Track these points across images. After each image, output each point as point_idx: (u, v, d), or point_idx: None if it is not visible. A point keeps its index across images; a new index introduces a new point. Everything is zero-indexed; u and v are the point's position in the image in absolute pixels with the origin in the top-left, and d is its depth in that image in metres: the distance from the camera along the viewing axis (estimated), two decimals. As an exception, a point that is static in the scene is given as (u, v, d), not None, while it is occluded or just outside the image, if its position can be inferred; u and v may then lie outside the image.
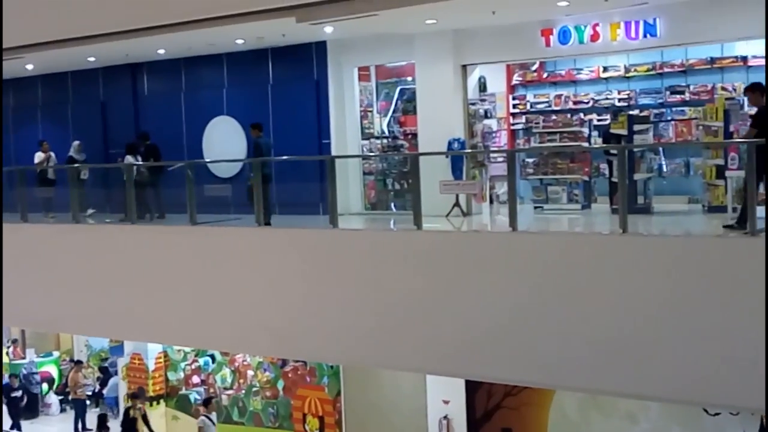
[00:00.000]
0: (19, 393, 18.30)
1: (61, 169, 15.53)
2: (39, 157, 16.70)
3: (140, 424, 15.79)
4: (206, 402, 15.73)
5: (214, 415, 15.57)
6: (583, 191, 13.62)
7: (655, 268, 7.83)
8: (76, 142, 16.16)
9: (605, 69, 14.37)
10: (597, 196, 13.70)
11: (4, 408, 17.30)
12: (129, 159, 14.80)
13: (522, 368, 8.60)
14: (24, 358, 19.62)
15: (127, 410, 15.69)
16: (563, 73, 14.83)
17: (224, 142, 16.39)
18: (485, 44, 13.76)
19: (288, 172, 14.42)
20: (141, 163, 14.69)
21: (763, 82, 9.75)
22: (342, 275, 10.08)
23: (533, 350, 8.33)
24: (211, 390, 16.74)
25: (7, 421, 17.62)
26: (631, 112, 13.22)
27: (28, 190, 14.67)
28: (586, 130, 14.18)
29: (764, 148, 8.03)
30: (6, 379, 18.47)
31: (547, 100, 14.85)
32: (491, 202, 13.86)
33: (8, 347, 20.26)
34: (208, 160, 16.23)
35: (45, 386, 19.26)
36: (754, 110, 9.63)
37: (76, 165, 14.94)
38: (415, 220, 10.19)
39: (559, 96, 14.74)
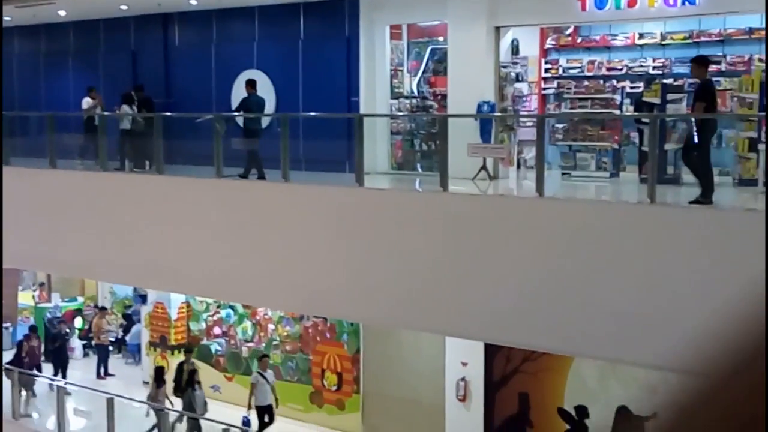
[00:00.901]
0: (60, 342, 18.18)
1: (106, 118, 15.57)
2: (87, 103, 16.46)
3: (196, 376, 15.25)
4: (260, 358, 15.12)
5: (269, 374, 14.84)
6: (612, 159, 13.49)
7: (682, 240, 7.76)
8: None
9: (641, 36, 14.14)
10: (626, 164, 13.56)
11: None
12: (125, 108, 14.98)
13: (542, 334, 8.61)
14: (49, 301, 19.89)
15: (180, 364, 15.32)
16: (598, 38, 14.62)
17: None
18: (520, 6, 13.57)
19: (315, 129, 14.41)
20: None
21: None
22: (366, 234, 10.10)
23: (555, 316, 8.32)
24: (232, 342, 16.91)
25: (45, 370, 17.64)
26: (665, 81, 13.02)
27: (58, 136, 14.78)
28: (618, 98, 14.01)
29: None
30: (43, 328, 18.71)
31: (580, 65, 14.66)
32: (518, 166, 13.78)
33: (34, 290, 20.55)
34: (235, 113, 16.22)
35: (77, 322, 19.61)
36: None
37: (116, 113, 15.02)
38: (441, 181, 10.16)
39: (592, 62, 14.54)
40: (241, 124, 13.77)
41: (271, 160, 12.01)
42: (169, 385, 15.11)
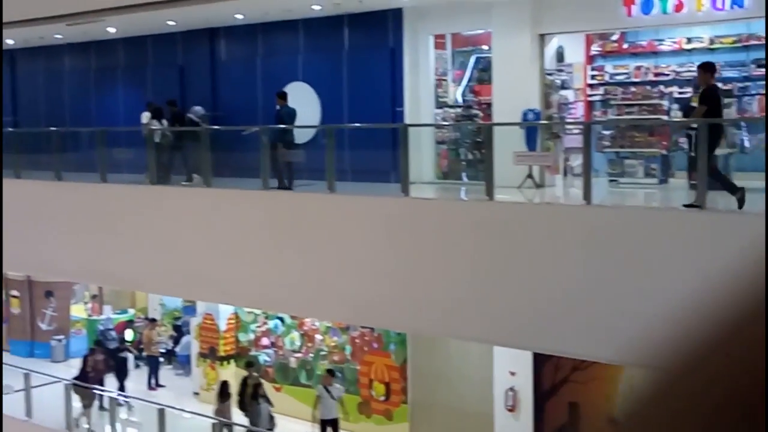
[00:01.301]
0: (124, 354, 18.18)
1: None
2: (147, 117, 16.56)
3: (260, 390, 15.08)
4: (329, 372, 14.90)
5: (335, 388, 14.58)
6: (661, 165, 13.32)
7: (734, 246, 7.63)
8: (198, 108, 16.31)
9: (689, 40, 13.96)
10: (675, 170, 13.38)
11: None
12: (154, 123, 15.20)
13: (592, 343, 8.51)
14: (101, 314, 20.20)
15: (244, 379, 15.12)
16: (644, 43, 14.46)
17: (299, 107, 16.45)
18: (564, 13, 13.49)
19: (360, 140, 14.46)
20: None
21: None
22: (412, 243, 10.09)
23: (604, 325, 8.23)
24: (280, 352, 17.00)
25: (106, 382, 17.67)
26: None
27: (109, 151, 15.03)
28: (666, 103, 13.84)
29: None
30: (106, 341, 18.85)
31: (626, 71, 14.51)
32: (565, 174, 13.67)
33: (86, 303, 20.88)
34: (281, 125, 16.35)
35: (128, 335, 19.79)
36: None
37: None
38: (487, 190, 10.12)
39: (639, 67, 14.39)
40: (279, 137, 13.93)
41: (317, 171, 12.08)
42: (219, 398, 15.17)
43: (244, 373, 17.07)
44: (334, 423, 14.46)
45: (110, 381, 17.47)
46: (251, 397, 14.63)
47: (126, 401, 16.31)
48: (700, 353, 0.49)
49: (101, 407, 16.00)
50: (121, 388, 17.33)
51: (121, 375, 17.76)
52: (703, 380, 0.47)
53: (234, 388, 15.20)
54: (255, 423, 14.42)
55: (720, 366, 0.47)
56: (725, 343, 0.48)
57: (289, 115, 14.20)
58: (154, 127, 15.42)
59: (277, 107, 14.38)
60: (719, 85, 12.86)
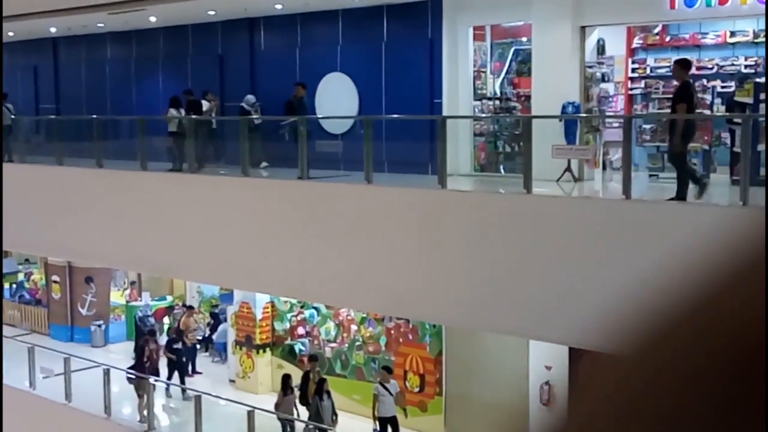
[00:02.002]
0: (179, 344, 17.70)
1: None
2: (205, 105, 16.65)
3: (325, 385, 14.63)
4: (386, 369, 14.61)
5: (392, 384, 14.20)
6: (703, 160, 13.13)
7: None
8: (250, 96, 16.42)
9: (732, 34, 13.74)
10: (717, 165, 13.19)
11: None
12: (172, 112, 15.35)
13: (628, 338, 8.44)
14: (139, 300, 20.44)
15: (306, 373, 14.91)
16: (687, 37, 14.27)
17: (337, 98, 16.51)
18: (606, 5, 13.35)
19: (398, 131, 14.46)
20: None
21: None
22: (449, 236, 10.08)
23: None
24: (315, 342, 17.08)
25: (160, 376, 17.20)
26: (758, 80, 12.63)
27: (149, 139, 15.20)
28: (708, 97, 13.65)
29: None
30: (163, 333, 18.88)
31: (668, 64, 14.30)
32: (604, 168, 13.55)
33: (125, 289, 21.14)
34: (319, 116, 16.41)
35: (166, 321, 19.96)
36: None
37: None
38: (525, 183, 10.07)
39: (681, 61, 14.19)
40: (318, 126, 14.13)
41: (354, 162, 12.10)
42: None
43: (281, 361, 17.23)
44: (393, 421, 14.18)
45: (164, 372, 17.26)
46: (315, 393, 14.32)
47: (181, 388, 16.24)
48: (689, 306, 0.48)
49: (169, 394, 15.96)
50: (181, 380, 17.14)
51: (182, 367, 17.41)
52: (692, 334, 0.46)
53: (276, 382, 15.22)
54: (318, 419, 14.09)
55: (711, 318, 0.46)
56: (718, 295, 0.47)
57: (304, 106, 14.50)
58: (173, 116, 15.65)
59: (298, 97, 14.61)
60: (763, 80, 12.71)
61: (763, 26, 13.39)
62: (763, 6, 12.16)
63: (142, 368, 16.30)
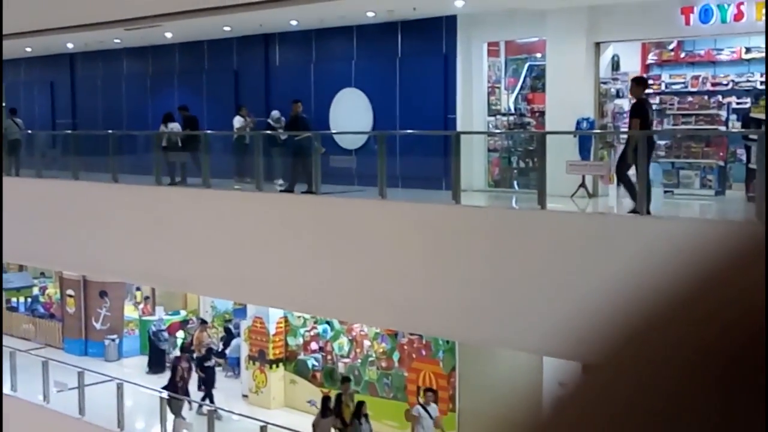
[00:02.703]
0: (212, 362, 17.34)
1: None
2: (239, 122, 16.65)
3: (349, 408, 14.44)
4: (430, 391, 14.30)
5: (432, 407, 13.89)
6: (718, 177, 13.09)
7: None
8: (275, 112, 16.49)
9: (748, 50, 13.70)
10: (732, 182, 13.13)
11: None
12: (162, 128, 15.98)
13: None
14: (153, 314, 20.47)
15: (339, 395, 14.59)
16: (702, 53, 14.24)
17: (351, 113, 16.55)
18: (621, 21, 13.35)
19: (412, 146, 14.47)
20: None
21: None
22: (462, 251, 10.05)
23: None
24: (328, 357, 17.05)
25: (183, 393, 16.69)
26: (773, 96, 12.58)
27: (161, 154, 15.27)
28: (723, 113, 13.61)
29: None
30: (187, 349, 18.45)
31: (683, 80, 14.30)
32: (619, 184, 13.49)
33: (140, 303, 21.18)
34: (333, 131, 16.45)
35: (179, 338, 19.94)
36: None
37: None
38: (539, 199, 10.05)
39: (696, 77, 14.17)
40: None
41: (368, 177, 12.11)
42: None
43: (293, 376, 17.20)
44: None
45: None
46: (353, 416, 14.03)
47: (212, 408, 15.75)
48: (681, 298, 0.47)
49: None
50: (210, 398, 16.64)
51: (209, 384, 16.97)
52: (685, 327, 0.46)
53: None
54: None
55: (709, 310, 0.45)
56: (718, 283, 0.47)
57: (304, 121, 14.86)
58: (165, 131, 16.20)
59: (296, 113, 14.95)
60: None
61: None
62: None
63: (175, 387, 15.96)
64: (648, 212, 9.51)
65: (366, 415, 14.12)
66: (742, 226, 0.49)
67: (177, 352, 19.47)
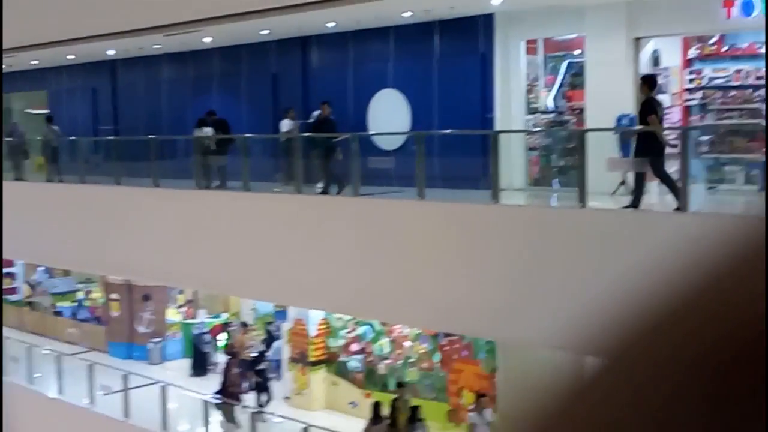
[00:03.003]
0: (263, 365, 17.06)
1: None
2: (288, 125, 16.53)
3: (404, 415, 14.11)
4: (479, 397, 14.14)
5: (487, 413, 13.76)
6: (763, 172, 12.84)
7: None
8: (318, 112, 16.23)
9: (792, 42, 13.44)
10: (778, 177, 12.88)
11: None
12: (196, 132, 16.24)
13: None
14: (195, 318, 20.63)
15: (394, 401, 14.31)
16: (745, 46, 14.00)
17: (389, 114, 16.53)
18: (661, 16, 13.17)
19: (450, 146, 14.41)
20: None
21: None
22: (502, 251, 9.98)
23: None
24: (369, 359, 17.05)
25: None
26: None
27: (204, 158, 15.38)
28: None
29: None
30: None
31: (726, 75, 14.07)
32: (660, 183, 13.30)
33: (182, 306, 21.36)
34: (372, 132, 16.45)
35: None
36: None
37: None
38: (579, 197, 9.94)
39: (739, 71, 13.93)
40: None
41: (407, 177, 12.08)
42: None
43: (335, 378, 17.21)
44: None
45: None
46: (408, 421, 13.82)
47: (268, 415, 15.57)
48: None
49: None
50: (263, 403, 16.37)
51: (263, 388, 16.67)
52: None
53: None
54: None
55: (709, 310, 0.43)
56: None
57: (332, 125, 14.74)
58: (199, 135, 16.38)
59: (319, 114, 14.94)
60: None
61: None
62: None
63: (227, 393, 15.82)
64: (679, 208, 9.36)
65: (421, 420, 13.89)
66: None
67: (222, 357, 19.56)
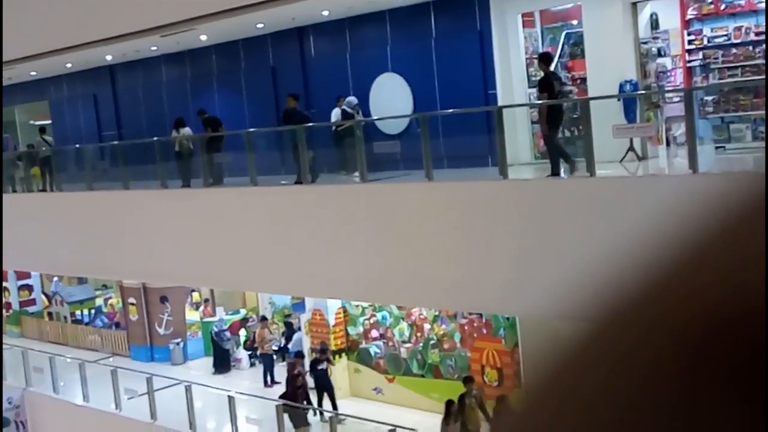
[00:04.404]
0: (324, 365, 16.19)
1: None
2: (337, 114, 16.18)
3: (475, 412, 13.41)
4: (501, 398, 13.57)
5: None
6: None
7: None
8: (352, 98, 16.18)
9: (791, -6, 13.34)
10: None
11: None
12: (174, 134, 16.53)
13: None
14: (213, 316, 20.72)
15: (461, 396, 13.74)
16: (743, 2, 13.89)
17: (391, 98, 16.49)
18: (656, -22, 13.08)
19: (455, 126, 14.37)
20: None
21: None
22: (515, 225, 9.98)
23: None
24: (390, 344, 17.09)
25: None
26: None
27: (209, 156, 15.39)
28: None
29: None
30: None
31: (725, 33, 13.97)
32: (668, 144, 13.26)
33: (199, 306, 21.45)
34: (374, 117, 16.42)
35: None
36: None
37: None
38: (587, 166, 9.92)
39: (739, 28, 13.83)
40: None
41: (414, 160, 12.07)
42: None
43: (357, 365, 17.27)
44: None
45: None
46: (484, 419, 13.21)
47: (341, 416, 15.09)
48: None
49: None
50: (323, 403, 15.79)
51: (322, 388, 16.00)
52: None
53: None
54: None
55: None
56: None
57: (300, 116, 14.74)
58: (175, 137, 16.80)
59: (290, 108, 14.89)
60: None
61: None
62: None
63: (295, 396, 15.32)
64: (673, 170, 9.33)
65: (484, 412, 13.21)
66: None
67: (241, 351, 19.59)
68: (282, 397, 15.51)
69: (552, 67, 11.96)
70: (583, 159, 10.40)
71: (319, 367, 16.12)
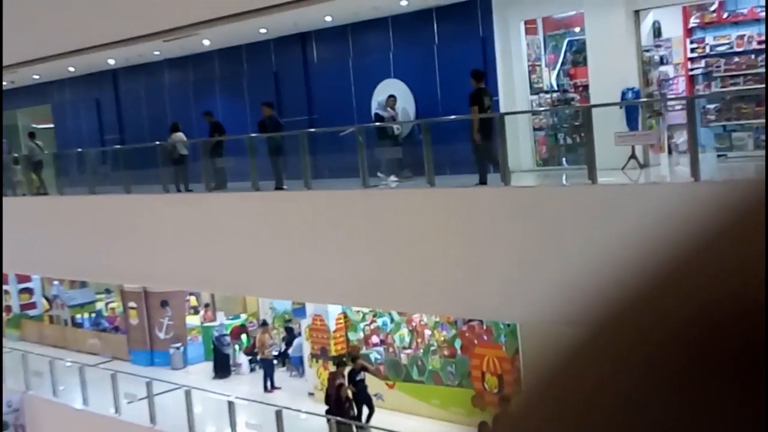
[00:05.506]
0: (361, 375, 15.58)
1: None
2: (387, 112, 15.81)
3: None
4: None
5: None
6: (771, 136, 12.79)
7: None
8: (386, 97, 15.95)
9: (793, 3, 13.35)
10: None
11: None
12: (173, 137, 16.57)
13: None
14: (214, 320, 20.71)
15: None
16: (745, 11, 13.91)
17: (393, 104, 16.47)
18: (659, -14, 13.10)
19: (457, 132, 14.38)
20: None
21: None
22: (516, 232, 9.98)
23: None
24: (390, 350, 17.07)
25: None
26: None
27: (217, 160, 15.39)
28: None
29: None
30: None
31: (728, 41, 13.99)
32: (670, 152, 13.27)
33: (197, 307, 21.45)
34: (375, 123, 16.42)
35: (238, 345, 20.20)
36: None
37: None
38: (589, 174, 9.92)
39: (741, 36, 13.85)
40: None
41: (416, 166, 12.09)
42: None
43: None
44: None
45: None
46: None
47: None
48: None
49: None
50: (362, 416, 15.27)
51: (361, 400, 15.41)
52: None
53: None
54: None
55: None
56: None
57: (275, 125, 15.03)
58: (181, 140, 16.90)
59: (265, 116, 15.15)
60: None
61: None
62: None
63: (341, 409, 14.83)
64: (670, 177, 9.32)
65: None
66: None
67: (241, 356, 19.52)
68: (328, 412, 14.77)
69: (482, 84, 12.70)
70: (585, 166, 10.41)
71: (358, 378, 15.45)
